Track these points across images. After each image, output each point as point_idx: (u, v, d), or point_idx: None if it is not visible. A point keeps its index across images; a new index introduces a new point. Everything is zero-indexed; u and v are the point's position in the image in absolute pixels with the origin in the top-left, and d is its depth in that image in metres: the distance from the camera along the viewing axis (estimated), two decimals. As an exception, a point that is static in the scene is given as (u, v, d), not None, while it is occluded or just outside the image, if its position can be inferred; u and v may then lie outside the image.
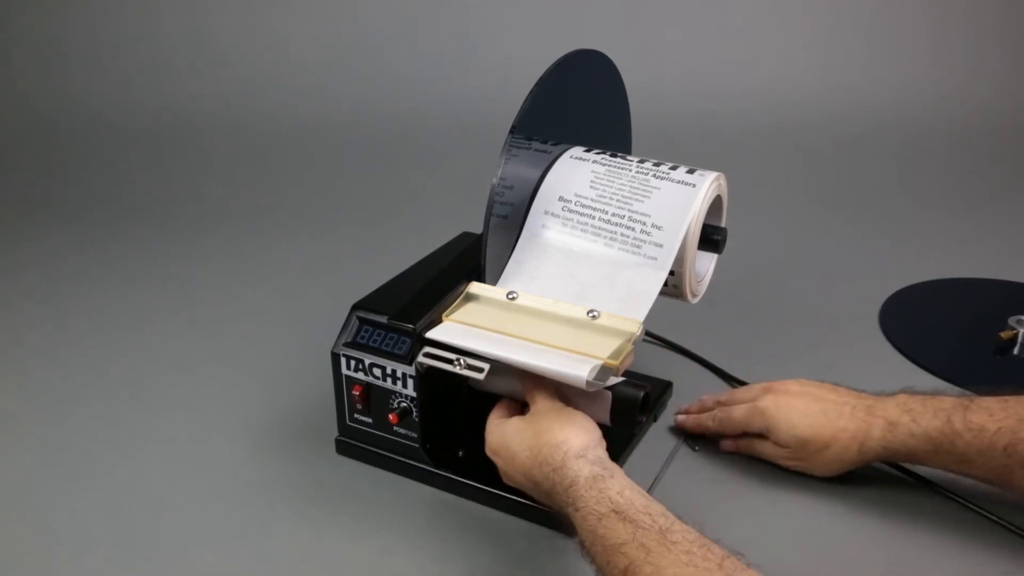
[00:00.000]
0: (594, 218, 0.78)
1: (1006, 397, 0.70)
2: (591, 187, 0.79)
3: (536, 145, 0.79)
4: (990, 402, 0.70)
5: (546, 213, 0.79)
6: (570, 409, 0.70)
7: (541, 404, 0.70)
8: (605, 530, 0.59)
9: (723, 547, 0.56)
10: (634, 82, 0.89)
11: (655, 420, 0.88)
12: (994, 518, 0.74)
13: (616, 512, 0.59)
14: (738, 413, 0.79)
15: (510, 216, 0.78)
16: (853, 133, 1.65)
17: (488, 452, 0.73)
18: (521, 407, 0.75)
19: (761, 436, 0.78)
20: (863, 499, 0.77)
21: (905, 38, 1.78)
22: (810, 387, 0.77)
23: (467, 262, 0.80)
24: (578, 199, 0.79)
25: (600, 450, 0.67)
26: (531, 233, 0.79)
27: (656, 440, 0.85)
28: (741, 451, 0.81)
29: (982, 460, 0.68)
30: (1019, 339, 1.00)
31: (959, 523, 0.75)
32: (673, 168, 0.79)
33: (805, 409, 0.75)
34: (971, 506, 0.75)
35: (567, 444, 0.65)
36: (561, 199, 0.79)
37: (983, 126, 1.67)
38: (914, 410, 0.72)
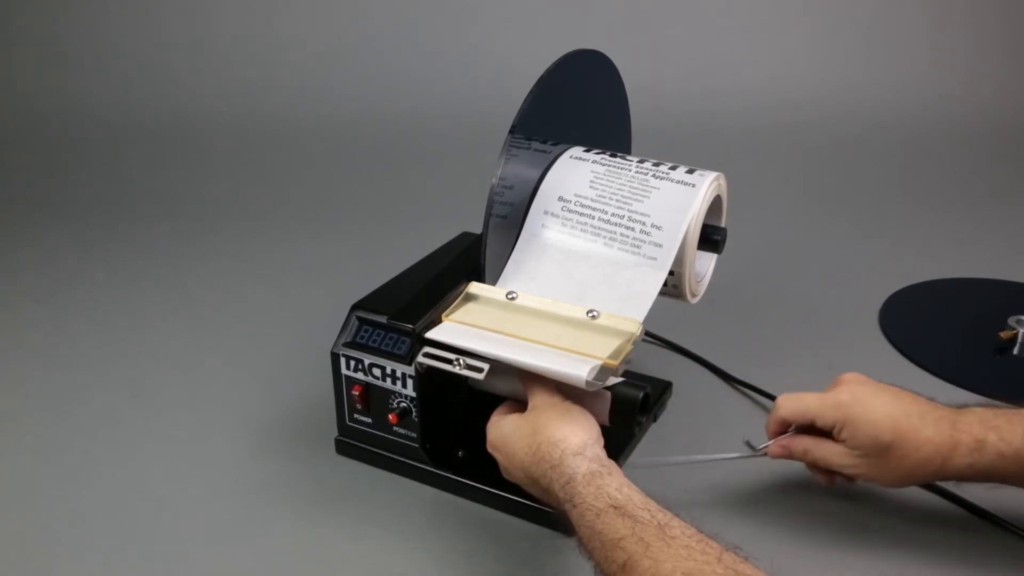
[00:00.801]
0: (594, 218, 0.78)
1: None
2: (591, 187, 0.79)
3: (536, 145, 0.79)
4: None
5: (546, 213, 0.79)
6: (568, 404, 0.69)
7: (539, 400, 0.70)
8: (603, 525, 0.58)
9: (722, 541, 0.56)
10: (634, 82, 0.89)
11: (655, 420, 0.88)
12: (994, 517, 0.74)
13: (614, 507, 0.59)
14: (810, 403, 0.70)
15: (510, 216, 0.78)
16: (853, 133, 1.65)
17: (488, 448, 0.73)
18: (524, 408, 0.75)
19: (822, 436, 0.71)
20: (859, 499, 0.77)
21: (905, 38, 1.78)
22: (889, 386, 0.70)
23: (467, 262, 0.80)
24: (578, 199, 0.79)
25: (598, 447, 0.66)
26: (530, 233, 0.79)
27: (657, 440, 0.85)
28: (795, 456, 0.72)
29: None
30: (1019, 339, 1.00)
31: (958, 523, 0.75)
32: (673, 168, 0.79)
33: (889, 408, 0.67)
34: (971, 506, 0.75)
35: (565, 442, 0.65)
36: (561, 199, 0.79)
37: (983, 126, 1.67)
38: (1000, 427, 0.66)
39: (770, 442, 0.73)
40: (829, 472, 0.72)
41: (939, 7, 1.78)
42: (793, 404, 0.71)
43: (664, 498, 0.60)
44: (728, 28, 1.80)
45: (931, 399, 0.69)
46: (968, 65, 1.75)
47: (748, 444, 0.78)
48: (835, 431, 0.69)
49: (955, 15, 1.77)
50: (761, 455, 0.74)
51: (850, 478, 0.71)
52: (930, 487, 0.77)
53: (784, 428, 0.73)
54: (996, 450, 0.65)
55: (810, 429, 0.71)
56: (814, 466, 0.73)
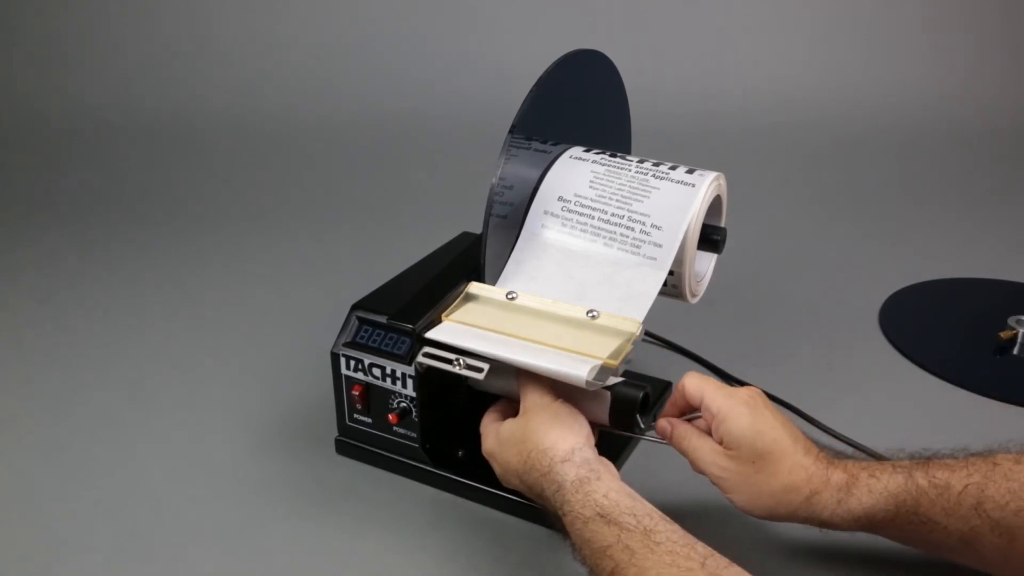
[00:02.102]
0: (593, 218, 0.78)
1: (967, 454, 0.63)
2: (590, 187, 0.79)
3: (536, 145, 0.79)
4: (947, 459, 0.63)
5: (545, 213, 0.79)
6: (557, 406, 0.68)
7: (530, 401, 0.69)
8: (591, 533, 0.59)
9: (707, 546, 0.56)
10: (634, 82, 0.89)
11: (655, 420, 0.88)
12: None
13: (601, 515, 0.59)
14: (712, 382, 0.68)
15: (510, 216, 0.78)
16: (853, 133, 1.65)
17: (485, 455, 0.73)
18: (516, 408, 0.75)
19: (706, 433, 0.68)
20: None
21: (905, 38, 1.78)
22: (785, 418, 0.67)
23: (467, 262, 0.80)
24: (577, 199, 0.79)
25: (587, 450, 0.66)
26: (530, 233, 0.79)
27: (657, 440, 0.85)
28: (672, 439, 0.69)
29: (947, 522, 0.60)
30: (1019, 339, 1.00)
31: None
32: (673, 168, 0.79)
33: (777, 424, 0.65)
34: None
35: (553, 449, 0.65)
36: (560, 199, 0.79)
37: (983, 126, 1.67)
38: (871, 466, 0.64)
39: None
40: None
41: (939, 7, 1.78)
42: (696, 380, 0.68)
43: (658, 499, 0.60)
44: (728, 28, 1.81)
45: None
46: (968, 65, 1.75)
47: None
48: (716, 423, 0.65)
49: (955, 15, 1.77)
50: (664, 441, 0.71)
51: (715, 484, 0.67)
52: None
53: (682, 404, 0.70)
54: (866, 487, 0.62)
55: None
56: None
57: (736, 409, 0.65)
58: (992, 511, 0.59)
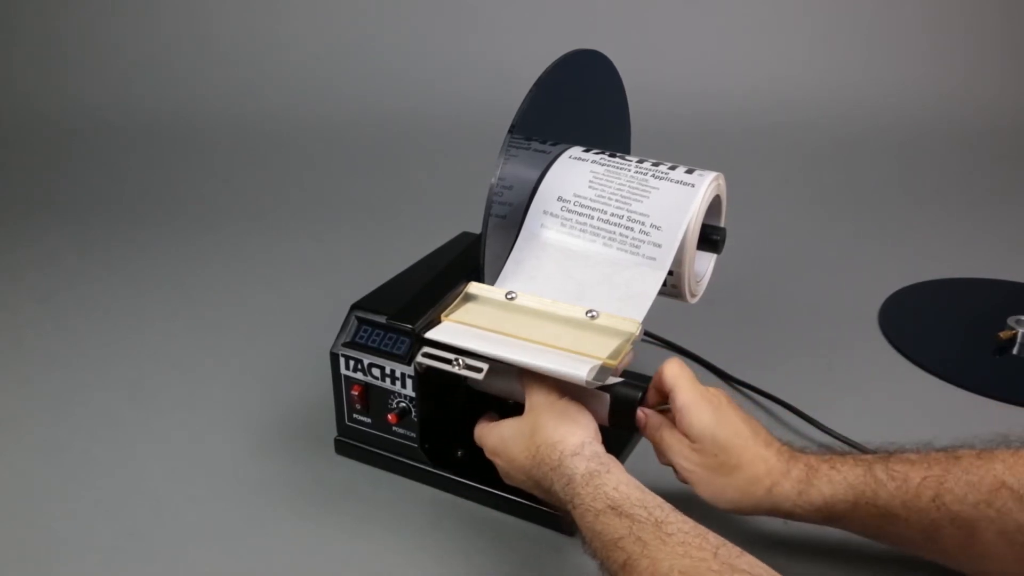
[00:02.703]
0: (593, 218, 0.78)
1: (931, 449, 0.64)
2: (590, 187, 0.79)
3: (535, 145, 0.79)
4: (910, 453, 0.64)
5: (545, 213, 0.79)
6: (565, 403, 0.69)
7: (537, 399, 0.70)
8: (602, 526, 0.59)
9: (718, 536, 0.56)
10: (634, 82, 0.89)
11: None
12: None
13: (612, 508, 0.59)
14: (688, 373, 0.70)
15: (509, 216, 0.78)
16: (853, 133, 1.65)
17: (488, 455, 0.73)
18: (509, 415, 0.74)
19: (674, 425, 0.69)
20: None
21: (905, 38, 1.78)
22: (748, 416, 0.69)
23: (467, 262, 0.80)
24: (577, 199, 0.79)
25: (596, 444, 0.66)
26: (530, 233, 0.79)
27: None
28: (647, 431, 0.71)
29: (907, 514, 0.61)
30: (1019, 339, 1.00)
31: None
32: (672, 168, 0.79)
33: (739, 420, 0.67)
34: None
35: (563, 442, 0.65)
36: (560, 199, 0.79)
37: (983, 126, 1.67)
38: (833, 459, 0.65)
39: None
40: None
41: (939, 7, 1.78)
42: (674, 369, 0.70)
43: (664, 485, 0.60)
44: (728, 28, 1.81)
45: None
46: (968, 65, 1.75)
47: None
48: (680, 416, 0.67)
49: (955, 15, 1.77)
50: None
51: (684, 480, 0.69)
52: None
53: (660, 391, 0.71)
54: (826, 477, 0.64)
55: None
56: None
57: (698, 403, 0.67)
58: (951, 503, 0.60)
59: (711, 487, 0.67)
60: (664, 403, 0.71)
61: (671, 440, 0.68)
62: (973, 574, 0.63)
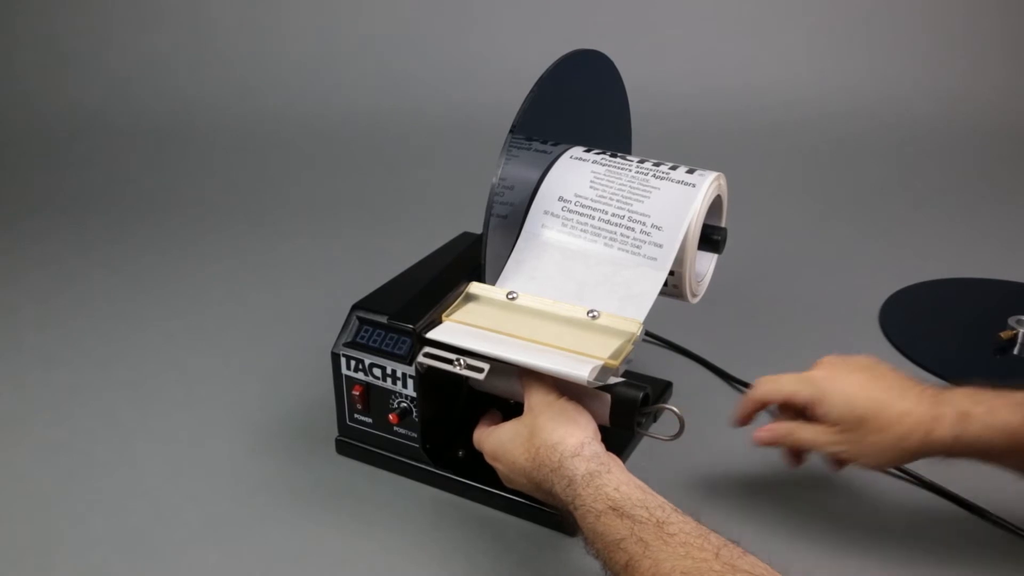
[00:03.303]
0: (594, 218, 0.78)
1: None
2: (591, 187, 0.79)
3: (536, 145, 0.79)
4: None
5: (546, 213, 0.79)
6: (563, 403, 0.69)
7: (535, 400, 0.69)
8: (604, 527, 0.59)
9: (720, 536, 0.56)
10: (634, 82, 0.89)
11: (655, 420, 0.88)
12: (994, 518, 0.74)
13: (613, 509, 0.59)
14: (786, 381, 0.71)
15: (510, 216, 0.78)
16: (853, 133, 1.65)
17: (488, 460, 0.72)
18: (507, 418, 0.74)
19: (805, 419, 0.70)
20: (859, 500, 0.78)
21: (905, 38, 1.78)
22: (868, 363, 0.70)
23: (467, 262, 0.80)
24: (578, 199, 0.79)
25: (596, 444, 0.66)
26: (530, 233, 0.79)
27: (656, 441, 0.85)
28: (777, 442, 0.71)
29: None
30: (1019, 339, 1.00)
31: (956, 522, 0.75)
32: (673, 168, 0.79)
33: (864, 383, 0.68)
34: (971, 506, 0.75)
35: (562, 443, 0.65)
36: (561, 199, 0.79)
37: (983, 126, 1.67)
38: (987, 402, 0.65)
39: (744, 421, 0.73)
40: (798, 456, 0.73)
41: (939, 7, 1.78)
42: (771, 383, 0.71)
43: (665, 485, 0.60)
44: (728, 28, 1.81)
45: (916, 379, 0.69)
46: (968, 65, 1.75)
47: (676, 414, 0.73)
48: (811, 409, 0.68)
49: (955, 15, 1.77)
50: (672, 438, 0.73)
51: (839, 462, 0.70)
52: (928, 485, 0.77)
53: (758, 409, 0.73)
54: (983, 422, 0.64)
55: (790, 414, 0.71)
56: (791, 450, 0.73)
57: (824, 388, 0.68)
58: None
59: (867, 456, 0.67)
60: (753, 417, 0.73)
61: (810, 435, 0.69)
62: None
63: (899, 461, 0.68)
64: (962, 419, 0.64)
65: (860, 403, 0.67)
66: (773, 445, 0.72)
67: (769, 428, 0.71)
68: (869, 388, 0.67)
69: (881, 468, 0.70)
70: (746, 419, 0.74)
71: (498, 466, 0.71)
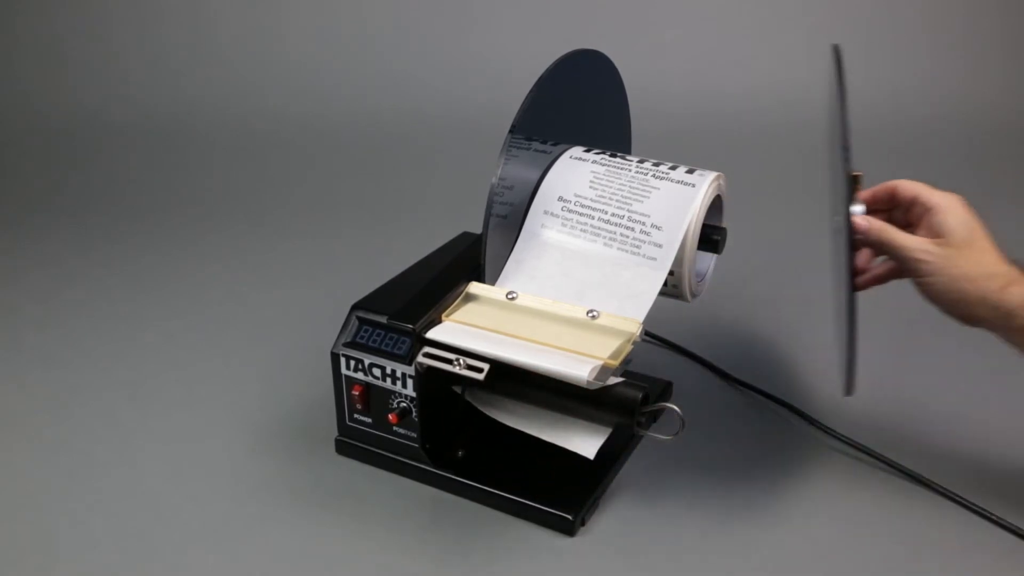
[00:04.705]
0: (593, 218, 0.78)
1: None
2: (591, 187, 0.79)
3: (536, 145, 0.79)
4: None
5: (545, 213, 0.79)
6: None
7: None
8: None
9: None
10: (634, 82, 0.89)
11: (655, 420, 0.88)
12: (993, 518, 0.74)
13: None
14: (906, 184, 0.75)
15: (510, 216, 0.78)
16: (853, 133, 1.65)
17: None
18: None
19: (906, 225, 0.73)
20: (859, 500, 0.78)
21: (905, 38, 1.78)
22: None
23: (467, 262, 0.80)
24: (577, 199, 0.79)
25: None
26: (530, 233, 0.79)
27: (656, 441, 0.85)
28: (870, 231, 0.72)
29: None
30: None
31: (958, 523, 0.75)
32: (673, 168, 0.79)
33: (982, 224, 0.72)
34: (971, 505, 0.76)
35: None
36: (561, 199, 0.79)
37: (983, 126, 1.67)
38: None
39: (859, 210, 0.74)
40: (869, 275, 0.76)
41: (939, 7, 1.77)
42: (909, 182, 0.75)
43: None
44: (728, 28, 1.80)
45: None
46: (968, 65, 1.75)
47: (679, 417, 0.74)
48: (932, 214, 0.71)
49: (955, 15, 1.77)
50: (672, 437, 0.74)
51: (912, 272, 0.71)
52: (928, 484, 0.77)
53: (889, 194, 0.76)
54: None
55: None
56: (865, 257, 0.76)
57: (955, 203, 0.71)
58: None
59: (946, 276, 0.69)
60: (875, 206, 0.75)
61: (905, 237, 0.70)
62: None
63: (962, 298, 0.69)
64: None
65: (978, 232, 0.70)
66: (864, 236, 0.72)
67: (866, 217, 0.72)
68: (983, 229, 0.71)
69: (946, 299, 0.70)
70: (875, 201, 0.76)
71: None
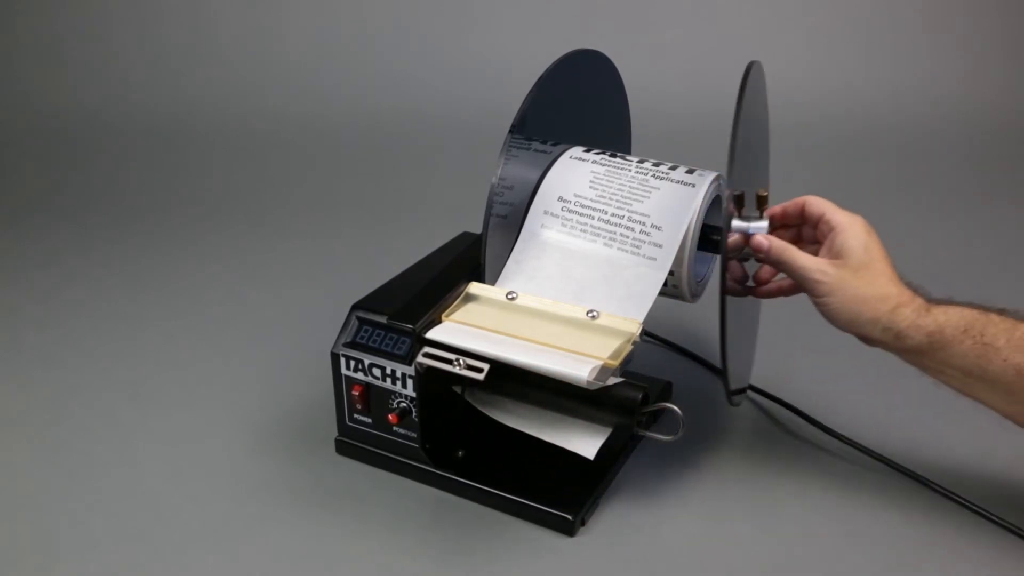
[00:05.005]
0: (593, 218, 0.78)
1: None
2: (590, 187, 0.79)
3: (536, 145, 0.79)
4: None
5: (545, 213, 0.79)
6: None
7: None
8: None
9: None
10: (634, 82, 0.89)
11: (655, 420, 0.88)
12: (993, 518, 0.74)
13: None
14: (815, 201, 0.75)
15: (510, 216, 0.78)
16: (853, 133, 1.65)
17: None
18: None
19: (805, 244, 0.76)
20: (859, 500, 0.78)
21: (905, 38, 1.78)
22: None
23: (467, 262, 0.80)
24: (577, 199, 0.79)
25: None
26: (530, 233, 0.79)
27: (656, 440, 0.85)
28: (772, 252, 0.73)
29: (1008, 352, 0.67)
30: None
31: (958, 524, 0.75)
32: (673, 168, 0.79)
33: (880, 246, 0.73)
34: (971, 506, 0.76)
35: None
36: (561, 199, 0.79)
37: (983, 126, 1.67)
38: (952, 301, 0.71)
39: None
40: (773, 286, 0.79)
41: (939, 7, 1.77)
42: (819, 200, 0.75)
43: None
44: (728, 28, 1.80)
45: None
46: (968, 65, 1.75)
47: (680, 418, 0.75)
48: (835, 234, 0.72)
49: (955, 15, 1.77)
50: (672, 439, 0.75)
51: (809, 292, 0.73)
52: (928, 484, 0.77)
53: (788, 214, 0.77)
54: (943, 309, 0.69)
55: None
56: (766, 270, 0.79)
57: (856, 224, 0.72)
58: None
59: (840, 297, 0.71)
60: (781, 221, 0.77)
61: (803, 258, 0.72)
62: None
63: (857, 318, 0.71)
64: (929, 304, 0.70)
65: (874, 254, 0.71)
66: (765, 255, 0.74)
67: (768, 236, 0.74)
68: (884, 255, 0.72)
69: (841, 319, 0.72)
70: (786, 216, 0.77)
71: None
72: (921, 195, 1.45)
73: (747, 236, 0.75)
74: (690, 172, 0.78)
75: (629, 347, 0.71)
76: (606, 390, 0.72)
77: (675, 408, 0.73)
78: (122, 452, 0.86)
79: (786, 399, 0.90)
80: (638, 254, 0.76)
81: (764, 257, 0.74)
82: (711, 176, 0.78)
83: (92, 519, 0.77)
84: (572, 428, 0.76)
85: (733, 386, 0.74)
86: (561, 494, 0.75)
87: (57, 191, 1.51)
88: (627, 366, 0.73)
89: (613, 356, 0.69)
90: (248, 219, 1.39)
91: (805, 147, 1.62)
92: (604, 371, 0.69)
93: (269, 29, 1.84)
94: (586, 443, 0.74)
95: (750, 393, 0.93)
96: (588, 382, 0.66)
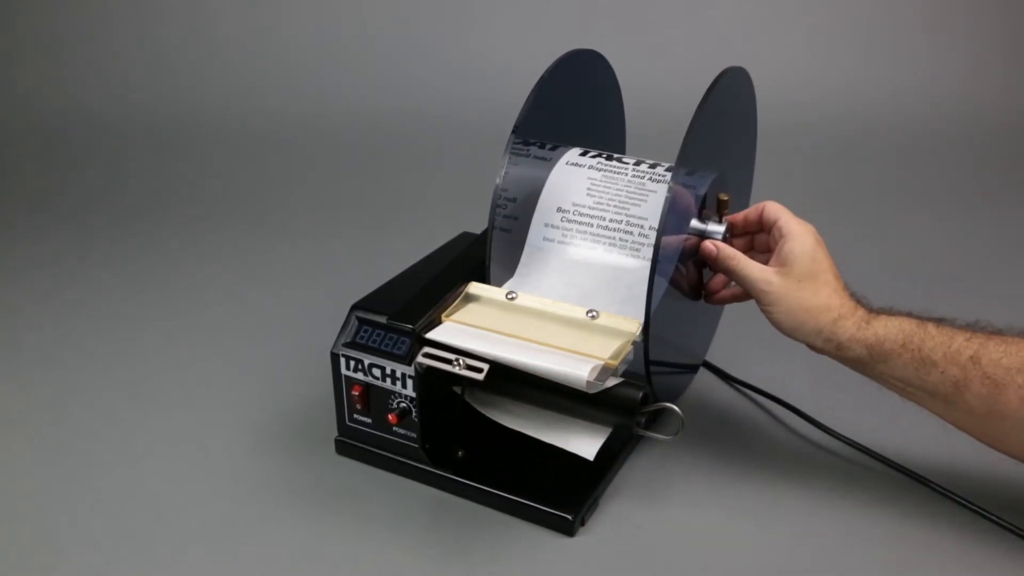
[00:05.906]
0: (592, 225, 0.78)
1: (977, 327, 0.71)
2: (588, 195, 0.79)
3: (534, 151, 0.79)
4: (962, 326, 0.71)
5: (546, 226, 0.80)
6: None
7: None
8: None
9: None
10: (634, 82, 0.89)
11: (655, 420, 0.88)
12: (993, 518, 0.74)
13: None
14: (772, 206, 0.77)
15: (513, 230, 0.79)
16: (852, 133, 1.65)
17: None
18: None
19: (757, 252, 0.77)
20: (859, 500, 0.78)
21: (905, 38, 1.78)
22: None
23: (467, 262, 0.80)
24: (576, 208, 0.79)
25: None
26: (533, 248, 0.80)
27: (656, 440, 0.85)
28: (720, 258, 0.75)
29: (945, 365, 0.68)
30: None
31: (958, 524, 0.75)
32: (669, 170, 0.79)
33: (827, 257, 0.74)
34: (971, 506, 0.76)
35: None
36: (560, 210, 0.80)
37: (983, 126, 1.67)
38: (893, 312, 0.72)
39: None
40: (727, 292, 0.80)
41: (939, 7, 1.78)
42: (776, 206, 0.77)
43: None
44: (728, 28, 1.81)
45: None
46: (968, 65, 1.75)
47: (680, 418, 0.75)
48: (784, 241, 0.73)
49: (955, 15, 1.77)
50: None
51: (756, 299, 0.74)
52: (928, 483, 0.77)
53: (752, 221, 0.78)
54: (884, 322, 0.70)
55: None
56: (719, 282, 0.80)
57: (804, 234, 0.74)
58: (986, 364, 0.67)
59: (784, 307, 0.72)
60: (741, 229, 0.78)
61: (750, 266, 0.73)
62: (985, 438, 0.70)
63: (801, 328, 0.72)
64: (869, 316, 0.71)
65: (820, 264, 0.72)
66: (713, 262, 0.76)
67: (717, 244, 0.75)
68: (831, 266, 0.73)
69: (786, 327, 0.73)
70: (747, 223, 0.78)
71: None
72: (921, 195, 1.45)
73: (702, 239, 0.76)
74: (689, 174, 0.78)
75: (629, 347, 0.71)
76: (606, 390, 0.72)
77: (675, 408, 0.73)
78: (122, 452, 0.86)
79: (786, 399, 0.90)
80: (638, 256, 0.76)
81: (712, 264, 0.75)
82: (710, 178, 0.78)
83: (92, 519, 0.77)
84: (572, 428, 0.76)
85: (655, 357, 0.73)
86: (561, 494, 0.75)
87: (57, 191, 1.51)
88: (627, 366, 0.73)
89: (613, 356, 0.69)
90: (248, 219, 1.39)
91: (805, 147, 1.63)
92: (604, 371, 0.69)
93: (269, 29, 1.84)
94: (586, 444, 0.74)
95: (750, 392, 0.93)
96: (588, 382, 0.66)
